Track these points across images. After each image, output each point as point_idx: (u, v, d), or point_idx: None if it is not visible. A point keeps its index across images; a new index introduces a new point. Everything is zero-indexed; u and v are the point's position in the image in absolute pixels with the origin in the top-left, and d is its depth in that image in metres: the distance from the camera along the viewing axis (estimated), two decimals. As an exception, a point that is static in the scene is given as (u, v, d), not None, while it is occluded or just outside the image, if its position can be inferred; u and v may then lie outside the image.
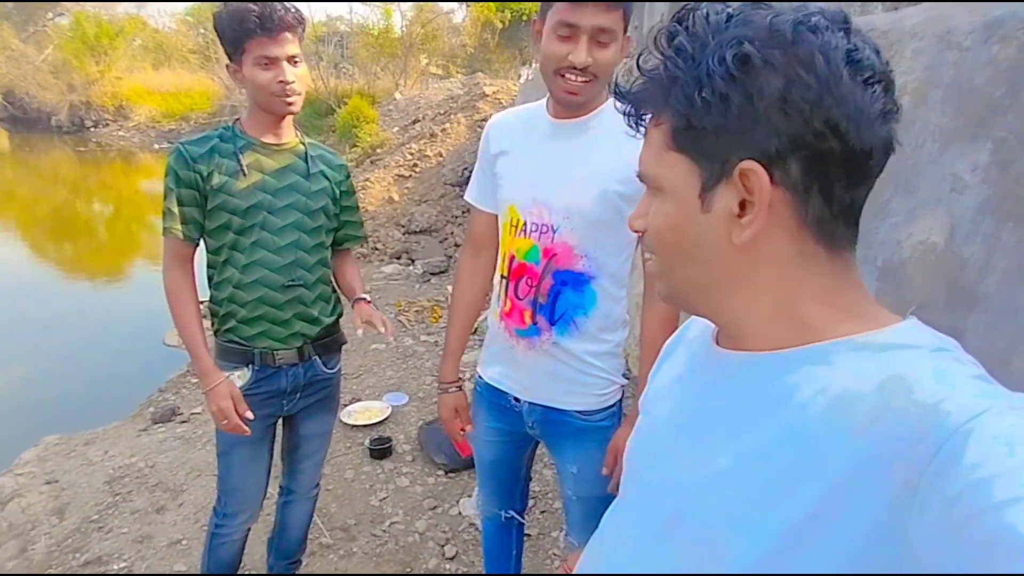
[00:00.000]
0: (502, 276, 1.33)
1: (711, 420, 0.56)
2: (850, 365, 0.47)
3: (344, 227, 1.71)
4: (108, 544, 2.35)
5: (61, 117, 20.52)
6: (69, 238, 9.23)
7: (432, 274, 5.64)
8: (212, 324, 1.62)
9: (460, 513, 2.44)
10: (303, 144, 1.59)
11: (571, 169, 1.23)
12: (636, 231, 0.59)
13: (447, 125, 8.57)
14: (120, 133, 19.59)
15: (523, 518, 1.63)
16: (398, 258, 6.11)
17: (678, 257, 0.55)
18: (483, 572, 1.75)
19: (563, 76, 1.16)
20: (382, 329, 1.61)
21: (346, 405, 3.24)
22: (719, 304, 0.55)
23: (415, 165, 7.76)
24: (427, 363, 3.85)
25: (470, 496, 2.53)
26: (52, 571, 2.23)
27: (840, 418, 0.44)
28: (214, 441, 1.70)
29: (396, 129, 11.19)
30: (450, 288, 5.22)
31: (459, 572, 2.19)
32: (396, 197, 7.13)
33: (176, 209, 1.48)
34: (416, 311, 4.70)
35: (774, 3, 0.51)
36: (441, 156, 7.86)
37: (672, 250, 0.55)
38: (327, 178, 1.61)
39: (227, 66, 1.49)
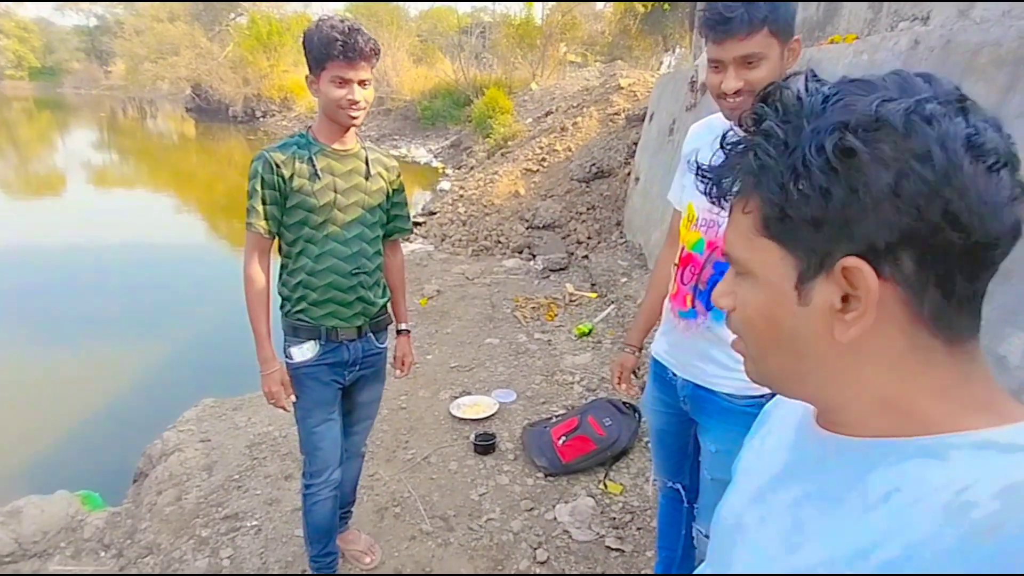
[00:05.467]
0: (675, 264, 1.51)
1: (802, 508, 0.52)
2: (967, 465, 0.42)
3: (394, 220, 1.95)
4: (244, 503, 2.66)
5: (236, 108, 23.16)
6: (239, 217, 10.46)
7: (552, 270, 5.68)
8: (282, 306, 1.84)
9: (555, 519, 2.47)
10: (364, 149, 1.82)
11: None
12: (722, 309, 0.55)
13: (579, 119, 8.53)
14: (284, 123, 21.69)
15: (691, 496, 1.69)
16: (520, 252, 6.22)
17: (771, 346, 0.52)
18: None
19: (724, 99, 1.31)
20: (399, 372, 2.08)
21: (456, 398, 3.38)
22: (818, 393, 0.52)
23: (543, 160, 7.83)
24: (538, 361, 3.91)
25: (567, 503, 2.55)
26: (198, 520, 2.57)
27: (955, 521, 0.40)
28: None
29: (530, 120, 11.34)
30: (569, 286, 5.22)
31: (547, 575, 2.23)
32: (522, 191, 7.24)
33: (260, 208, 1.70)
34: (532, 308, 4.76)
35: (875, 80, 0.45)
36: (570, 151, 7.86)
37: (764, 339, 0.52)
38: (383, 179, 1.85)
39: (306, 76, 1.69)
